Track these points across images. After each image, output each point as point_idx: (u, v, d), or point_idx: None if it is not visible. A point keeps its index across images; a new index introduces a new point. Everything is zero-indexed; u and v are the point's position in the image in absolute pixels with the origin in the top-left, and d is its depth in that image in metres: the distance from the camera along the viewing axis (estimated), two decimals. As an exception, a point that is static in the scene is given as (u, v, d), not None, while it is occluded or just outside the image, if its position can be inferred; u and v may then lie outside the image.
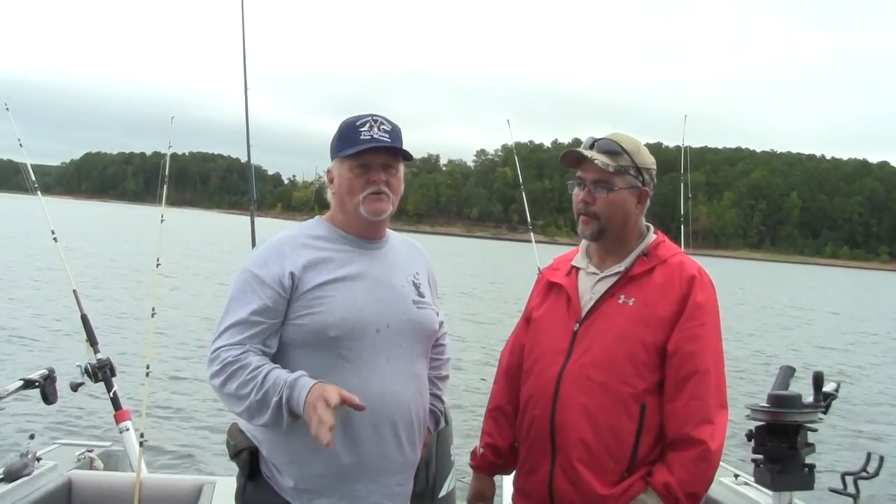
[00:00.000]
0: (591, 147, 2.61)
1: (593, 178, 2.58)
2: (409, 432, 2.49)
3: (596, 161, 2.56)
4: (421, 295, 2.58)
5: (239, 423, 2.54)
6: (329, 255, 2.47)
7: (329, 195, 2.58)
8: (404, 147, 2.53)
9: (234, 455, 2.49)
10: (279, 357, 2.40)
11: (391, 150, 2.49)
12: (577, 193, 2.63)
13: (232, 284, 2.46)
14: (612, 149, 2.58)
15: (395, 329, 2.47)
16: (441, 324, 2.73)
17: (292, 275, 2.39)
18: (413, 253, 2.71)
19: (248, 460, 2.44)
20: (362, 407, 2.23)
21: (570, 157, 2.64)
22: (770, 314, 32.46)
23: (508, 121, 6.00)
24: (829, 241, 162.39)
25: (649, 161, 2.63)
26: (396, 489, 2.49)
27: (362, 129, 2.46)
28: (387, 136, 2.48)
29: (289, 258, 2.42)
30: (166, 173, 4.73)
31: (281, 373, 2.29)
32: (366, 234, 2.55)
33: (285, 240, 2.50)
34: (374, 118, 2.49)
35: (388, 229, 2.64)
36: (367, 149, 2.44)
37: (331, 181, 2.55)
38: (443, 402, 2.78)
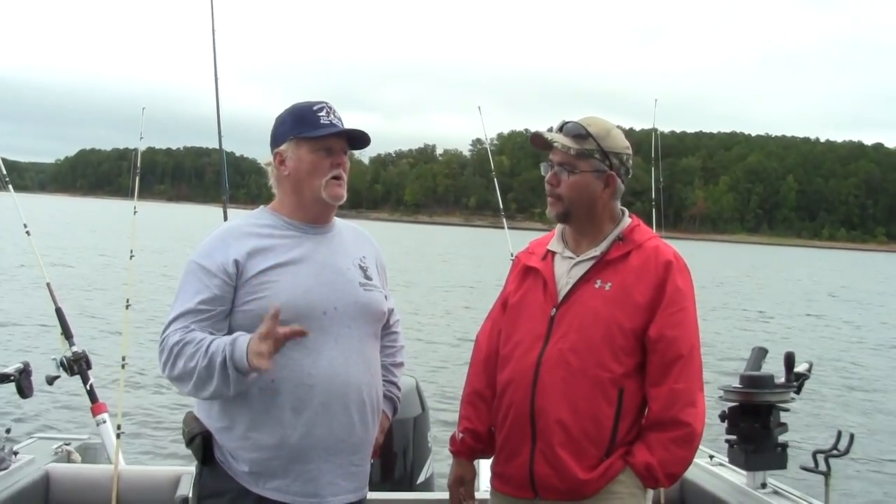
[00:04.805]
0: (560, 130, 2.60)
1: (558, 161, 2.59)
2: (361, 412, 2.48)
3: (556, 143, 2.56)
4: (368, 278, 2.60)
5: (194, 410, 2.55)
6: (274, 241, 2.48)
7: (272, 180, 2.59)
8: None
9: (189, 441, 2.50)
10: None
11: (347, 138, 2.55)
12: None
13: (180, 277, 2.49)
14: (577, 132, 2.57)
15: (342, 311, 2.48)
16: (392, 311, 2.75)
17: (236, 262, 2.41)
18: (359, 238, 2.72)
19: (202, 446, 2.45)
20: (303, 332, 2.23)
21: (536, 140, 2.64)
22: (745, 297, 32.29)
23: (480, 108, 5.91)
24: (826, 224, 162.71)
25: (621, 146, 2.60)
26: (352, 469, 2.49)
27: (320, 114, 2.51)
28: (341, 123, 2.54)
29: (233, 247, 2.44)
30: (138, 166, 4.82)
31: (224, 338, 2.32)
32: (315, 220, 2.56)
33: (229, 230, 2.52)
34: (329, 106, 2.55)
35: (334, 216, 2.66)
36: (333, 132, 2.49)
37: (281, 163, 2.54)
38: (399, 388, 2.79)
